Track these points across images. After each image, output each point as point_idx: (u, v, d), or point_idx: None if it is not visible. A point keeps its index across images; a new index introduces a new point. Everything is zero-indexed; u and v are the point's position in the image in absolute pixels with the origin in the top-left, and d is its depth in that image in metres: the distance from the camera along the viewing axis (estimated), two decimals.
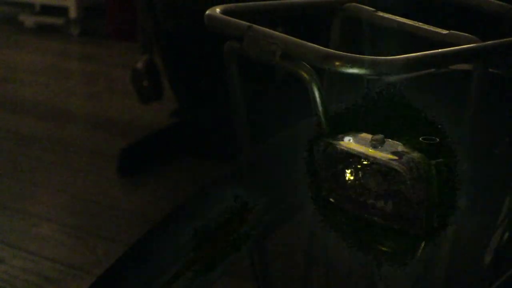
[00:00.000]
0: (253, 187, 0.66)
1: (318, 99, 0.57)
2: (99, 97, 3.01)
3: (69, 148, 2.42)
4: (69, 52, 3.75)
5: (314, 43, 0.55)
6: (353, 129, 0.56)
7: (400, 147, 0.53)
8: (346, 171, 0.56)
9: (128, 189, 2.12)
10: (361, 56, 0.52)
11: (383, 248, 0.65)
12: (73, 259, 1.70)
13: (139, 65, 2.22)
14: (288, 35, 0.56)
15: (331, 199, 0.59)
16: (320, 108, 0.57)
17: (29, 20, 4.10)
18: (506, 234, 0.73)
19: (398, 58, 0.52)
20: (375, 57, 0.52)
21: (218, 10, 0.62)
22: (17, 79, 3.25)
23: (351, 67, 0.52)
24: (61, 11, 4.00)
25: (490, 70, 0.63)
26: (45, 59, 3.61)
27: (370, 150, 0.54)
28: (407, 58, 0.52)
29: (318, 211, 0.63)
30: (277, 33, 0.57)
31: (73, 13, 3.94)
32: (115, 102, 2.88)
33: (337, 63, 0.52)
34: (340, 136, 0.56)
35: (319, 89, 0.56)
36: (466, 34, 0.60)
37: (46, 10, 4.11)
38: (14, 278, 1.64)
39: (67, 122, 2.69)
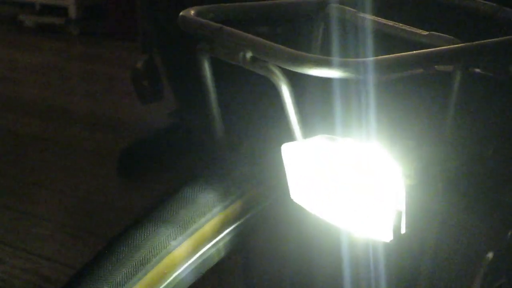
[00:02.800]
0: (229, 186, 0.65)
1: (287, 102, 0.56)
2: (99, 97, 3.00)
3: (69, 148, 2.42)
4: (69, 52, 3.75)
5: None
6: (324, 132, 0.55)
7: (371, 151, 0.52)
8: (315, 174, 0.55)
9: (128, 189, 2.12)
10: (330, 57, 0.51)
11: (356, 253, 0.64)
12: (73, 259, 1.70)
13: (139, 65, 2.22)
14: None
15: (298, 202, 0.59)
16: (290, 111, 0.56)
17: (29, 20, 4.10)
18: (508, 235, 0.72)
19: (369, 60, 0.51)
20: (345, 59, 0.51)
21: (192, 11, 0.61)
22: (17, 79, 3.25)
23: (320, 68, 0.51)
24: (61, 11, 3.99)
25: (478, 71, 0.62)
26: (45, 59, 3.60)
27: (339, 152, 0.53)
28: (379, 60, 0.51)
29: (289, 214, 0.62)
30: (247, 34, 0.55)
31: (73, 13, 3.94)
32: (115, 102, 2.88)
33: (306, 65, 0.51)
34: (310, 138, 0.55)
35: (289, 92, 0.55)
36: (447, 35, 0.59)
37: (46, 10, 4.10)
38: (14, 278, 1.63)
39: (67, 122, 2.69)
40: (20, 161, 2.31)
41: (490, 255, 0.69)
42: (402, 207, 0.51)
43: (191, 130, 2.30)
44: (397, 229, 0.51)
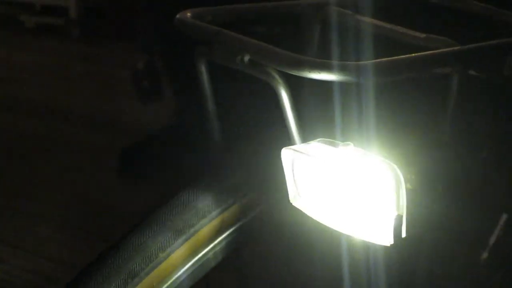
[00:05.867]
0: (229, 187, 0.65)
1: (286, 106, 0.55)
2: (99, 97, 3.00)
3: (69, 148, 2.42)
4: (69, 52, 3.75)
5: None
6: (323, 136, 0.55)
7: (371, 155, 0.52)
8: (315, 178, 0.55)
9: (128, 189, 2.12)
10: (329, 61, 0.51)
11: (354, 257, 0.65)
12: (73, 259, 1.70)
13: (139, 65, 2.22)
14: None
15: (298, 206, 0.59)
16: (289, 115, 0.56)
17: (29, 20, 4.10)
18: (501, 233, 0.73)
19: (369, 63, 0.50)
20: (344, 62, 0.50)
21: (189, 13, 0.60)
22: (17, 79, 3.25)
23: (320, 72, 0.50)
24: (61, 11, 3.99)
25: (471, 73, 0.62)
26: (45, 59, 3.60)
27: (339, 157, 0.53)
28: (378, 63, 0.51)
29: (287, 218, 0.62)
30: (246, 38, 0.55)
31: (73, 13, 3.93)
32: (115, 102, 2.88)
33: (305, 69, 0.50)
34: (310, 142, 0.55)
35: (288, 95, 0.55)
36: (444, 38, 0.58)
37: (46, 10, 4.10)
38: (14, 278, 1.63)
39: (67, 122, 2.68)
40: (20, 161, 2.31)
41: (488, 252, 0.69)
42: (403, 211, 0.51)
43: (191, 130, 2.30)
44: (397, 233, 0.51)
